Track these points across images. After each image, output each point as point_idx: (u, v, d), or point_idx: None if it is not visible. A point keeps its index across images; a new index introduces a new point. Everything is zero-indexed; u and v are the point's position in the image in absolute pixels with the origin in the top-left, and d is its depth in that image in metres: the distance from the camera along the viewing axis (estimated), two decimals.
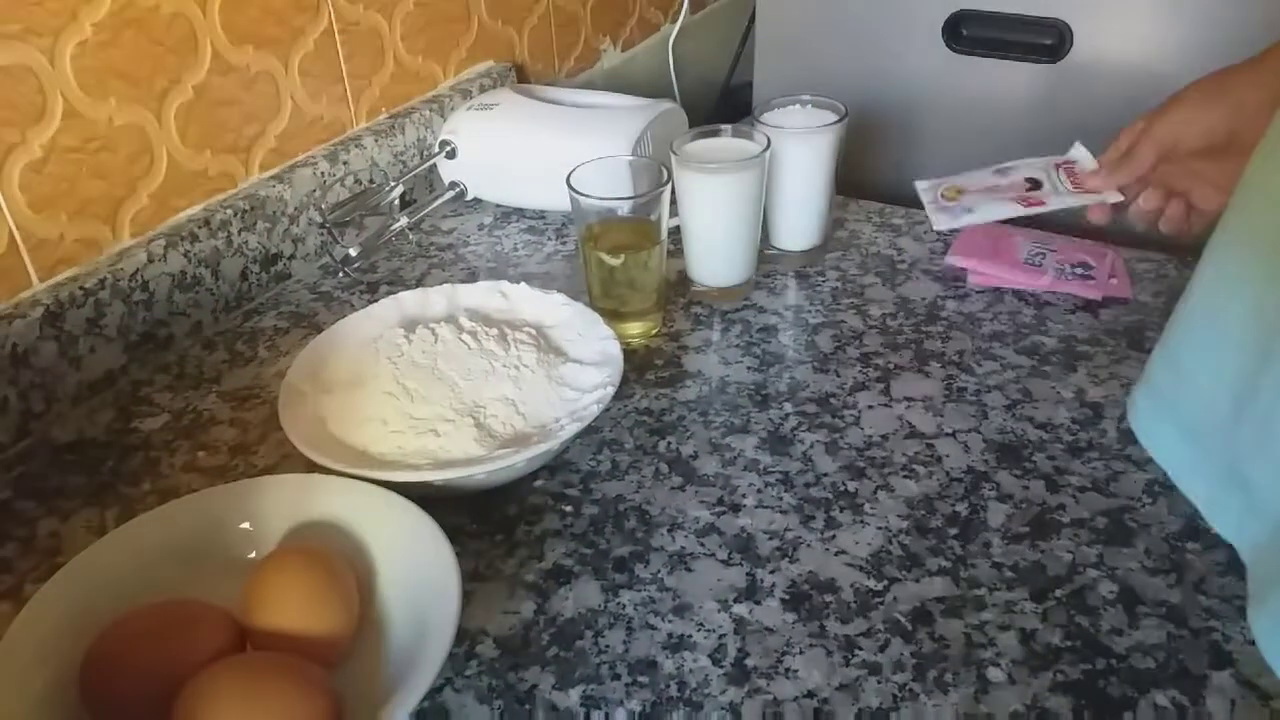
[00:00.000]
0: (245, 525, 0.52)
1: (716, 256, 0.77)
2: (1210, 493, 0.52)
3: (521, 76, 1.06)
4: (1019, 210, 0.70)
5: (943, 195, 0.74)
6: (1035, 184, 0.72)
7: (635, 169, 0.76)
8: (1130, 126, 0.69)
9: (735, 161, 0.73)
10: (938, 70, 0.99)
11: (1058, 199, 0.70)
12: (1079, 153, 0.74)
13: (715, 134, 0.77)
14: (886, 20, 1.00)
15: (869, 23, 1.01)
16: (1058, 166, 0.73)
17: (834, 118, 0.77)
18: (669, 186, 0.71)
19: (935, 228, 0.72)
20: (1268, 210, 0.47)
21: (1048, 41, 0.93)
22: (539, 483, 0.60)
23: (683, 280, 0.79)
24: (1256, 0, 0.84)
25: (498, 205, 0.93)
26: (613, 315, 0.72)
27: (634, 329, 0.73)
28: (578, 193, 0.70)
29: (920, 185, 0.77)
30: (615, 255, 0.70)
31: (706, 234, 0.76)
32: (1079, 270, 0.72)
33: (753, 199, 0.74)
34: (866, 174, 1.06)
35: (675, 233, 0.76)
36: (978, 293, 0.76)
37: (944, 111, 1.01)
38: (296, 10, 0.80)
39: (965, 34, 0.96)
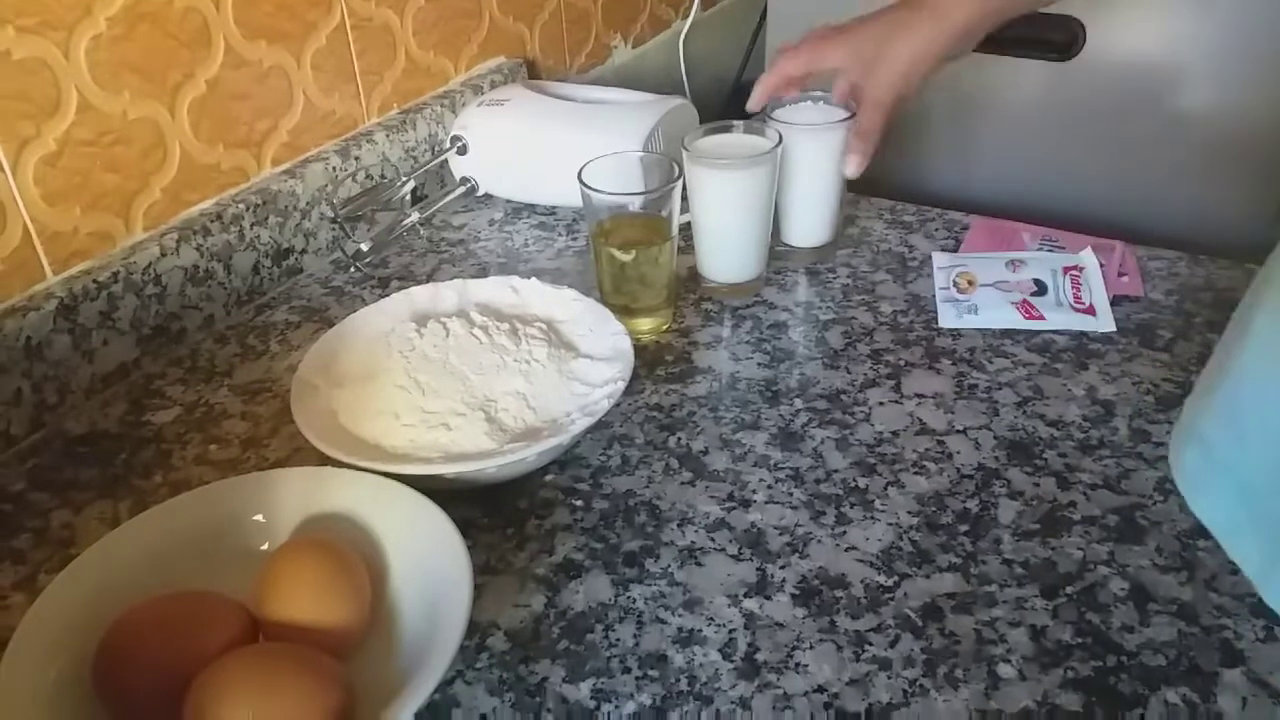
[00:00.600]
0: (258, 517, 0.52)
1: (727, 253, 0.77)
2: (1264, 563, 0.48)
3: (533, 72, 1.06)
4: (1020, 321, 0.71)
5: (955, 282, 0.74)
6: (1041, 288, 0.73)
7: (646, 165, 0.76)
8: (862, 115, 0.73)
9: (747, 158, 0.73)
10: (949, 68, 0.98)
11: (1057, 315, 0.71)
12: (1088, 259, 0.75)
13: (727, 130, 0.77)
14: None
15: None
16: (1065, 271, 0.74)
17: (845, 114, 0.76)
18: (680, 182, 0.71)
19: (940, 322, 0.72)
20: None
21: (1060, 38, 0.92)
22: (549, 477, 0.60)
23: (693, 276, 0.79)
24: None
25: (508, 201, 0.93)
26: (624, 311, 0.72)
27: (645, 325, 0.73)
28: (589, 188, 0.70)
29: (937, 261, 0.78)
30: (626, 251, 0.71)
31: (718, 230, 0.76)
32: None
33: (764, 195, 0.74)
34: (878, 171, 1.06)
35: (686, 229, 0.76)
36: None
37: (955, 109, 1.01)
38: (309, 5, 0.80)
39: None
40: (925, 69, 0.71)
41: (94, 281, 0.68)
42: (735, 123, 0.77)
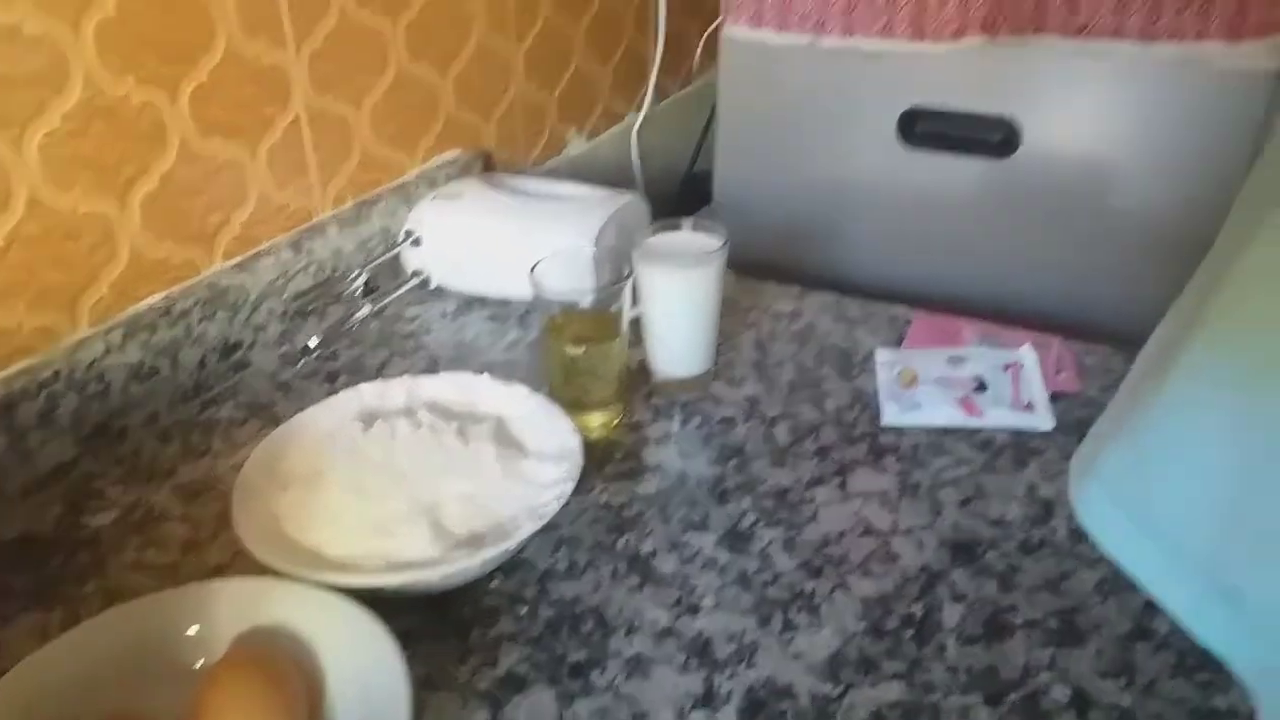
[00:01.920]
0: (192, 631, 0.51)
1: (677, 348, 0.78)
2: (1195, 603, 0.49)
3: (488, 164, 1.08)
4: (961, 418, 0.72)
5: (898, 378, 0.76)
6: (982, 385, 0.74)
7: (598, 261, 0.77)
8: None
9: (694, 256, 0.74)
10: (892, 164, 1.02)
11: (997, 413, 0.72)
12: (1026, 356, 0.77)
13: (675, 228, 0.78)
14: (842, 115, 1.03)
15: (825, 117, 1.04)
16: (1005, 368, 0.76)
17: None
18: (630, 280, 0.72)
19: (884, 419, 0.73)
20: (1260, 310, 0.45)
21: (997, 138, 0.96)
22: (495, 583, 0.59)
23: (644, 370, 0.80)
24: (1193, 89, 0.88)
25: (461, 293, 0.94)
26: (574, 405, 0.72)
27: (595, 420, 0.74)
28: (541, 285, 0.71)
29: (880, 357, 0.79)
30: (577, 345, 0.71)
31: (667, 326, 0.77)
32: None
33: (712, 292, 0.75)
34: (823, 264, 1.09)
35: (637, 323, 0.77)
36: None
37: (899, 204, 1.04)
38: (266, 100, 0.81)
39: (918, 130, 1.00)
40: None
41: (35, 381, 0.67)
42: (684, 220, 0.78)
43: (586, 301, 0.72)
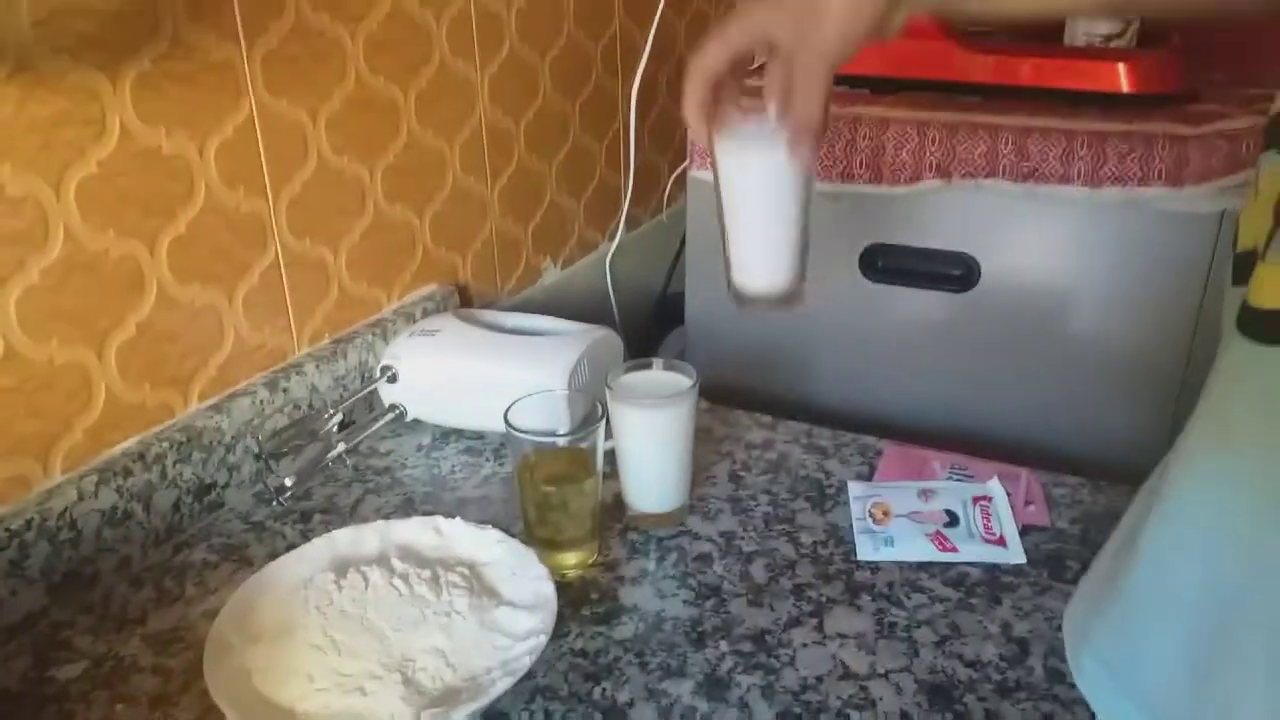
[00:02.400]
0: None
1: (651, 484, 0.79)
2: None
3: (464, 296, 1.10)
4: (934, 554, 0.73)
5: (870, 512, 0.77)
6: (953, 519, 0.76)
7: (571, 400, 0.78)
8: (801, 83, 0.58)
9: (666, 396, 0.76)
10: (856, 298, 1.05)
11: (969, 547, 0.73)
12: (995, 489, 0.78)
13: (647, 367, 0.80)
14: None
15: None
16: (975, 501, 0.77)
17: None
18: (603, 421, 0.73)
19: (859, 554, 0.74)
20: (1221, 482, 0.47)
21: (957, 273, 0.99)
22: None
23: (619, 504, 0.80)
24: (1141, 228, 0.91)
25: (436, 425, 0.95)
26: (548, 545, 0.73)
27: (570, 559, 0.74)
28: (514, 428, 0.72)
29: (853, 491, 0.80)
30: (551, 484, 0.72)
31: (641, 463, 0.78)
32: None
33: (684, 430, 0.77)
34: (792, 391, 1.11)
35: (611, 454, 0.78)
36: None
37: (864, 336, 1.07)
38: (244, 246, 0.83)
39: (880, 265, 1.03)
40: (862, 30, 0.57)
41: (6, 530, 0.66)
42: (655, 360, 0.80)
43: (560, 441, 0.73)
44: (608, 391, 0.76)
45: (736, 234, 0.66)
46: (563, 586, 0.65)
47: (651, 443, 0.77)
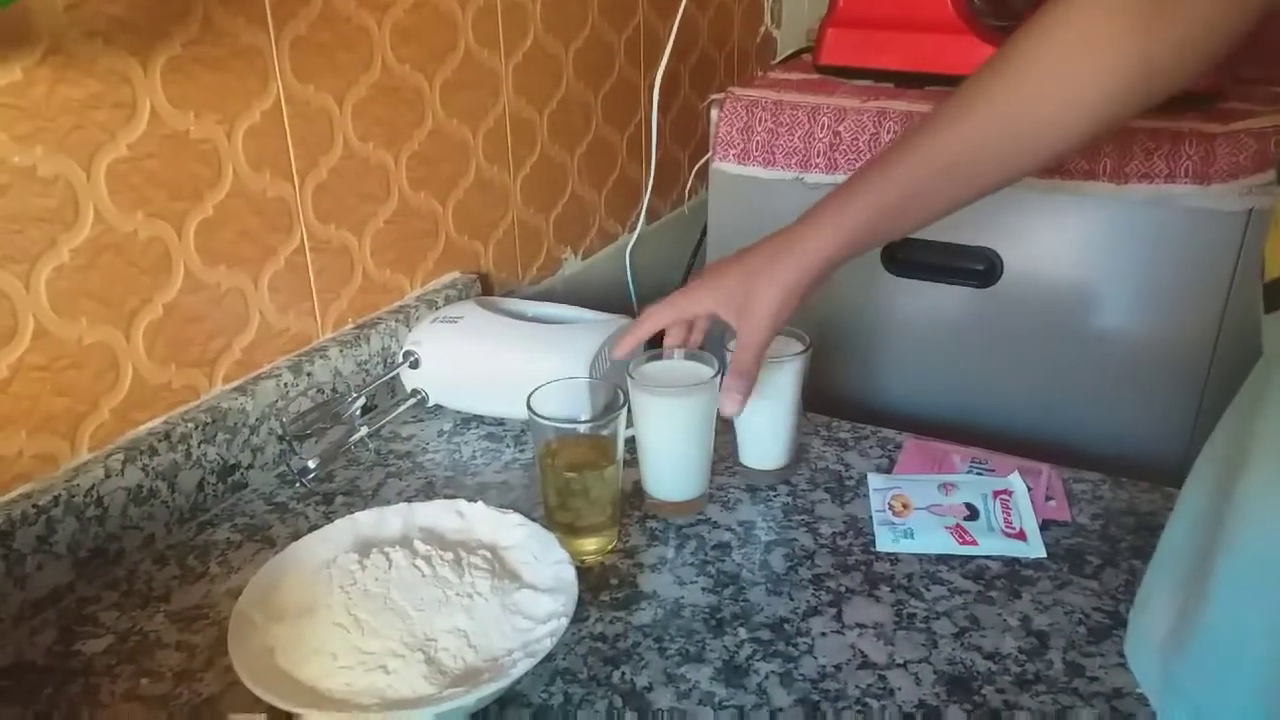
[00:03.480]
0: None
1: (671, 473, 0.79)
2: None
3: (485, 285, 1.10)
4: (954, 546, 0.73)
5: (890, 504, 0.77)
6: (973, 513, 0.76)
7: (593, 389, 0.79)
8: (738, 356, 0.74)
9: (688, 385, 0.76)
10: (877, 291, 1.05)
11: (989, 541, 0.73)
12: (1016, 484, 0.78)
13: (669, 355, 0.80)
14: None
15: None
16: (995, 495, 0.77)
17: (799, 347, 0.81)
18: (624, 409, 0.74)
19: (878, 545, 0.74)
20: None
21: (980, 268, 0.99)
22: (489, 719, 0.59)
23: (638, 492, 0.80)
24: (1167, 224, 0.91)
25: (458, 412, 0.95)
26: (569, 530, 0.73)
27: (590, 545, 0.74)
28: (536, 414, 0.72)
29: (873, 483, 0.80)
30: (572, 471, 0.72)
31: (661, 451, 0.78)
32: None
33: (704, 419, 0.77)
34: (814, 388, 1.10)
35: (630, 442, 0.78)
36: None
37: (885, 330, 1.06)
38: (270, 230, 0.84)
39: (901, 259, 1.03)
40: (794, 305, 0.73)
41: (34, 506, 0.67)
42: (676, 349, 0.80)
43: (582, 428, 0.74)
44: (629, 379, 0.76)
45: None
46: (582, 572, 0.65)
47: (673, 431, 0.77)
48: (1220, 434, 0.54)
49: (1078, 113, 0.63)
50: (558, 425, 0.72)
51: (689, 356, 0.80)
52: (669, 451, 0.78)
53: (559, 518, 0.74)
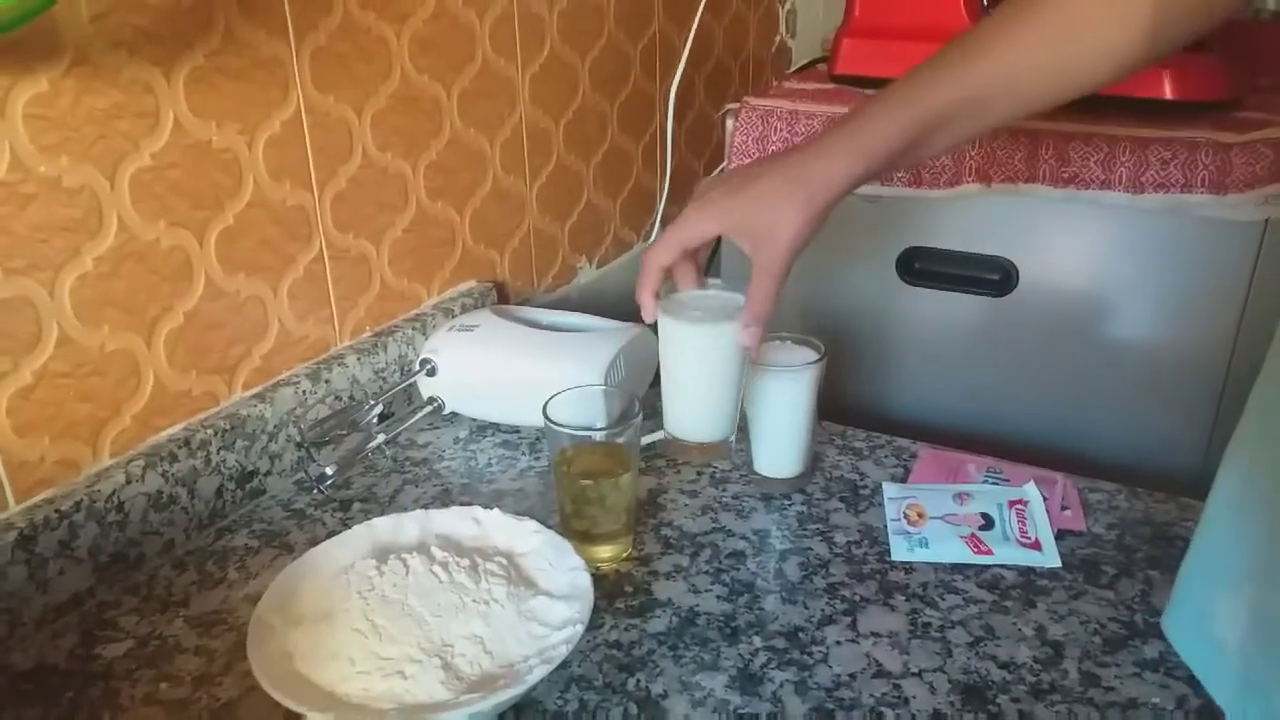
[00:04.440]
0: None
1: (698, 410, 0.77)
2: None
3: (501, 293, 1.11)
4: (969, 556, 0.73)
5: (905, 513, 0.77)
6: (989, 522, 0.76)
7: (608, 396, 0.79)
8: (758, 284, 0.71)
9: (721, 312, 0.75)
10: (892, 301, 1.05)
11: (1005, 550, 0.73)
12: (1031, 493, 0.78)
13: (703, 286, 0.79)
14: (843, 251, 1.07)
15: (826, 251, 1.07)
16: (1011, 505, 0.77)
17: (814, 356, 0.80)
18: (639, 417, 0.74)
19: (893, 554, 0.74)
20: None
21: (995, 277, 0.99)
22: None
23: (652, 501, 0.81)
24: (1183, 234, 0.91)
25: (473, 419, 0.96)
26: (584, 537, 0.73)
27: (605, 552, 0.74)
28: (553, 422, 0.72)
29: (888, 492, 0.80)
30: (588, 478, 0.73)
31: (689, 385, 0.77)
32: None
33: (737, 354, 0.76)
34: (829, 396, 1.10)
35: (647, 450, 0.78)
36: None
37: (900, 339, 1.07)
38: (289, 239, 0.85)
39: (917, 268, 1.03)
40: (816, 230, 0.71)
41: (56, 511, 0.68)
42: (712, 280, 0.79)
43: (597, 436, 0.74)
44: (659, 306, 0.74)
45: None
46: (597, 579, 0.66)
47: (702, 363, 0.75)
48: (1255, 412, 0.54)
49: (1130, 38, 0.63)
50: (573, 433, 0.73)
51: (724, 287, 0.78)
52: (698, 384, 0.76)
53: (574, 525, 0.74)
